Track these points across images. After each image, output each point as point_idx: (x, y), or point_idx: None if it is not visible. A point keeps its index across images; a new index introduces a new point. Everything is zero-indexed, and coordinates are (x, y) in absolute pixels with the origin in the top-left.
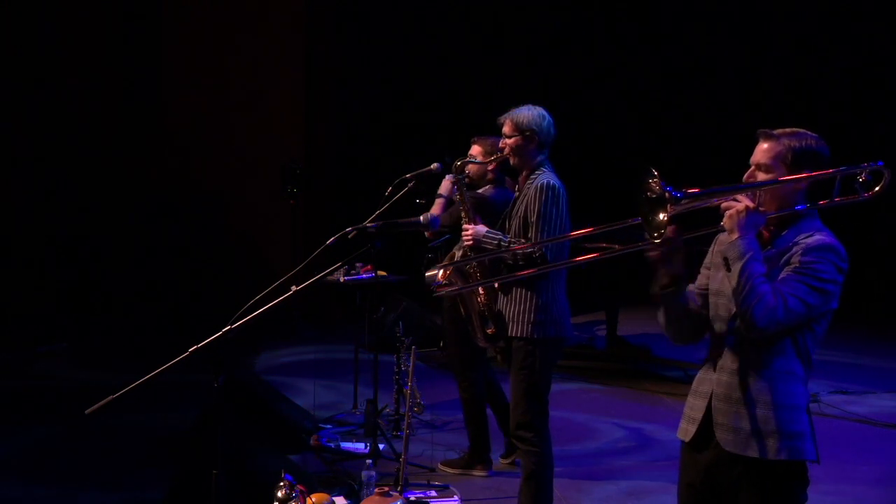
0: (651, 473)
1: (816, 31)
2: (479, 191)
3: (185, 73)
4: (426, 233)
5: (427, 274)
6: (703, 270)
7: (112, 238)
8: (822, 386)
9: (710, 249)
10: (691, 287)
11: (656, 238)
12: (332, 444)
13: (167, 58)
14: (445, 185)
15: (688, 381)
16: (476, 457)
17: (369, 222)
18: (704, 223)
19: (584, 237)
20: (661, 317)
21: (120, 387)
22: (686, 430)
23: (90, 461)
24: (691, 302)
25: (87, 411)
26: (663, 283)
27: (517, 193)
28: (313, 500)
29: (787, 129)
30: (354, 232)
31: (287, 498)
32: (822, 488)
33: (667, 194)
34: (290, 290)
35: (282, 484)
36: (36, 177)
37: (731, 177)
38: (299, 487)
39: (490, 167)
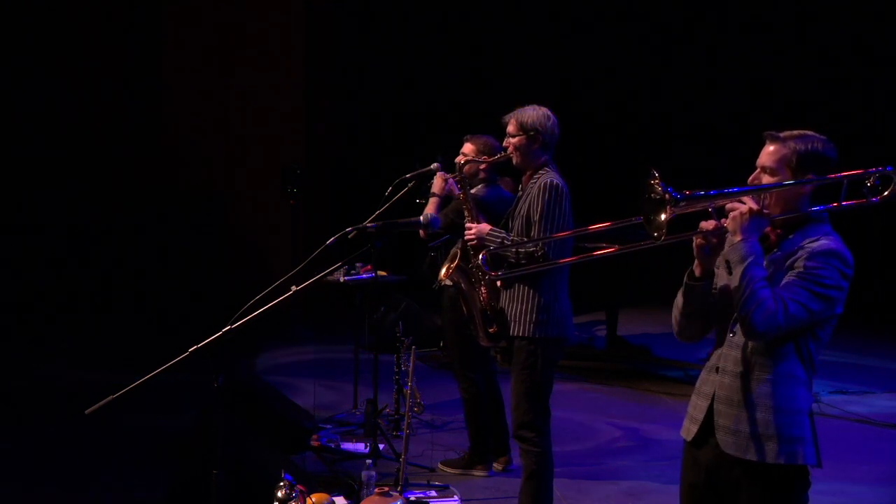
0: (651, 473)
1: (829, 31)
2: (472, 190)
3: (185, 73)
4: (421, 232)
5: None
6: (715, 270)
7: (112, 238)
8: (822, 386)
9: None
10: None
11: (657, 237)
12: (332, 444)
13: (167, 58)
14: (438, 184)
15: (688, 380)
16: (476, 457)
17: (369, 222)
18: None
19: (585, 237)
20: (677, 309)
21: (120, 387)
22: (688, 430)
23: (90, 461)
24: (710, 298)
25: (87, 411)
26: (696, 274)
27: (520, 193)
28: (313, 500)
29: (795, 132)
30: (354, 232)
31: (287, 498)
32: (822, 488)
33: (667, 195)
34: (290, 290)
35: (282, 484)
36: (36, 176)
37: (738, 178)
38: (299, 487)
39: (482, 166)
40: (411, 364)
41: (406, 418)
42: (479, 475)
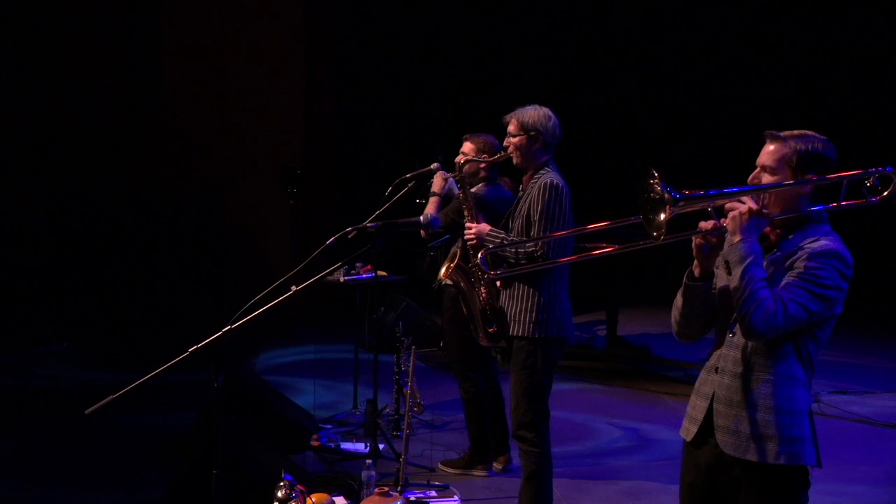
0: (651, 473)
1: (829, 31)
2: (472, 189)
3: (184, 73)
4: (422, 232)
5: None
6: (715, 270)
7: (112, 238)
8: (822, 386)
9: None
10: None
11: (656, 237)
12: (332, 444)
13: (167, 57)
14: (438, 183)
15: (688, 380)
16: (476, 457)
17: (369, 222)
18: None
19: (584, 237)
20: (677, 310)
21: (120, 387)
22: (688, 430)
23: (90, 461)
24: (710, 298)
25: (87, 411)
26: (695, 274)
27: (521, 192)
28: (313, 500)
29: (795, 131)
30: (354, 232)
31: (287, 498)
32: (822, 488)
33: (666, 195)
34: (290, 290)
35: (282, 484)
36: (36, 176)
37: (738, 178)
38: (299, 487)
39: (482, 165)
40: (411, 364)
41: (406, 418)
42: (479, 475)
